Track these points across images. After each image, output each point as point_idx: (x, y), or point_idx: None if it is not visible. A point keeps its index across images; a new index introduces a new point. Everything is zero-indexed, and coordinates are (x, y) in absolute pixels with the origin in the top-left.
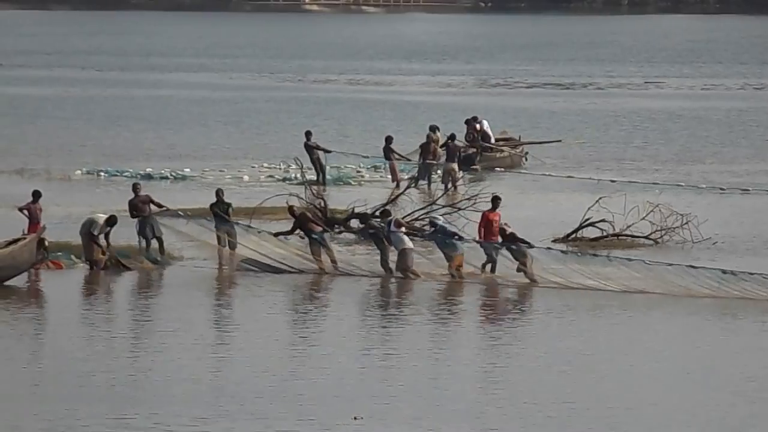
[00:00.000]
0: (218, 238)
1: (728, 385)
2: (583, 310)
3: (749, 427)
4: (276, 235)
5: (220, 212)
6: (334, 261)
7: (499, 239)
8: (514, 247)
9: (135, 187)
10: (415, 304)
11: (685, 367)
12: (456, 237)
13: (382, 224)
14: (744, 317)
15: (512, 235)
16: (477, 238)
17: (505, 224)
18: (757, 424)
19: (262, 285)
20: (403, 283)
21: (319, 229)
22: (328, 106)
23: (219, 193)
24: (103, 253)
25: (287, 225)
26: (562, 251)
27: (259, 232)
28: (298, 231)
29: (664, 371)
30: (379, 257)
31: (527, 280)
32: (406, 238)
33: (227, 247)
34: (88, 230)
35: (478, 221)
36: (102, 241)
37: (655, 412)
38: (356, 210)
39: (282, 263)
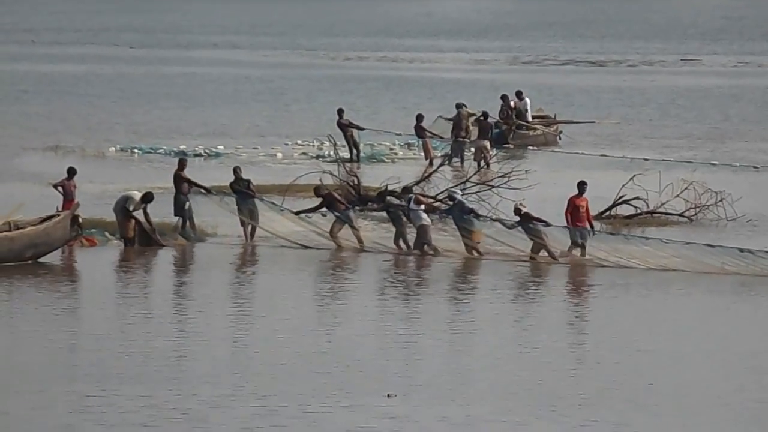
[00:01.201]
0: (240, 217)
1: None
2: (606, 287)
3: None
4: (298, 213)
5: (242, 189)
6: (360, 240)
7: (587, 225)
8: (531, 226)
9: (180, 162)
10: (442, 282)
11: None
12: (473, 214)
13: (402, 201)
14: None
15: (527, 214)
16: (565, 224)
17: (520, 203)
18: None
19: (288, 262)
20: (428, 261)
21: (343, 207)
22: (360, 84)
23: (237, 170)
24: (134, 230)
25: (317, 202)
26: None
27: (281, 210)
28: (322, 210)
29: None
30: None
31: (551, 257)
32: (424, 215)
33: (250, 225)
34: (123, 206)
35: (565, 206)
36: (140, 217)
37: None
38: (389, 188)
39: (298, 242)
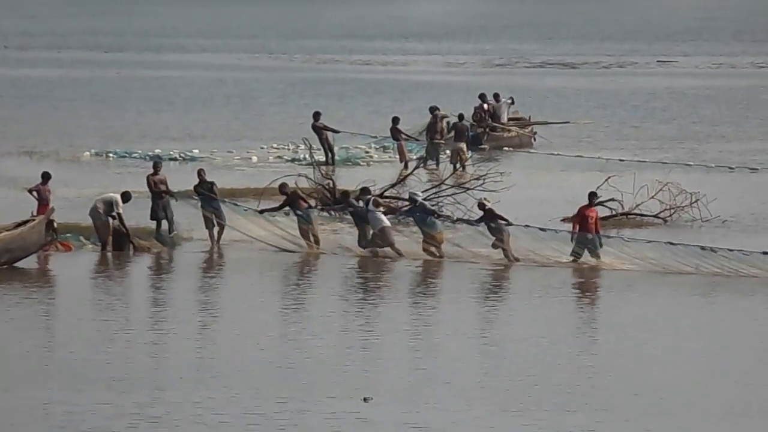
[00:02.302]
0: (205, 218)
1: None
2: (572, 287)
3: None
4: (262, 212)
5: (205, 191)
6: (316, 239)
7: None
8: (493, 225)
9: (155, 165)
10: (406, 284)
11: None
12: (435, 215)
13: (360, 203)
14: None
15: (490, 211)
16: (571, 231)
17: (485, 199)
18: None
19: (255, 266)
20: (391, 264)
21: (305, 206)
22: (335, 87)
23: (201, 173)
24: (119, 232)
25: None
26: (541, 228)
27: (245, 210)
28: (285, 209)
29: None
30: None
31: (506, 258)
32: (383, 217)
33: (216, 227)
34: (108, 211)
35: (574, 215)
36: (113, 222)
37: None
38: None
39: (266, 242)
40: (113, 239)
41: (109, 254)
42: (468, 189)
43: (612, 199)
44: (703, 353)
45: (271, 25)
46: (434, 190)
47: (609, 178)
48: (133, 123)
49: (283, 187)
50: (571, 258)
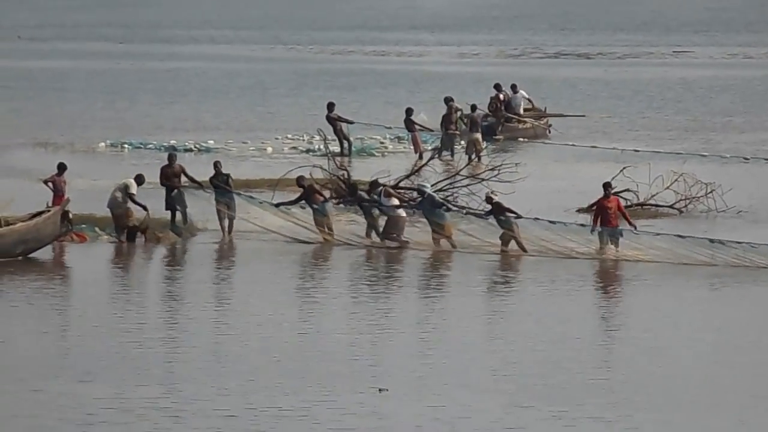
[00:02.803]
0: (218, 210)
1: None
2: (590, 279)
3: None
4: (278, 205)
5: (220, 184)
6: (330, 230)
7: (618, 224)
8: (502, 218)
9: (170, 157)
10: (416, 275)
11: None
12: (443, 207)
13: (373, 195)
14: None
15: (498, 204)
16: (592, 225)
17: (492, 192)
18: None
19: (266, 257)
20: (402, 254)
21: (322, 199)
22: (348, 78)
23: (217, 164)
24: (129, 218)
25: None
26: (550, 221)
27: (260, 203)
28: (301, 202)
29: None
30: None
31: (519, 248)
32: (397, 206)
33: (227, 219)
34: (123, 195)
35: (591, 206)
36: (133, 206)
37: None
38: (380, 181)
39: (281, 234)
40: (126, 232)
41: (124, 245)
42: (483, 180)
43: (627, 190)
44: (717, 345)
45: (284, 16)
46: (449, 181)
47: (624, 168)
48: (147, 114)
49: (300, 180)
50: (597, 250)
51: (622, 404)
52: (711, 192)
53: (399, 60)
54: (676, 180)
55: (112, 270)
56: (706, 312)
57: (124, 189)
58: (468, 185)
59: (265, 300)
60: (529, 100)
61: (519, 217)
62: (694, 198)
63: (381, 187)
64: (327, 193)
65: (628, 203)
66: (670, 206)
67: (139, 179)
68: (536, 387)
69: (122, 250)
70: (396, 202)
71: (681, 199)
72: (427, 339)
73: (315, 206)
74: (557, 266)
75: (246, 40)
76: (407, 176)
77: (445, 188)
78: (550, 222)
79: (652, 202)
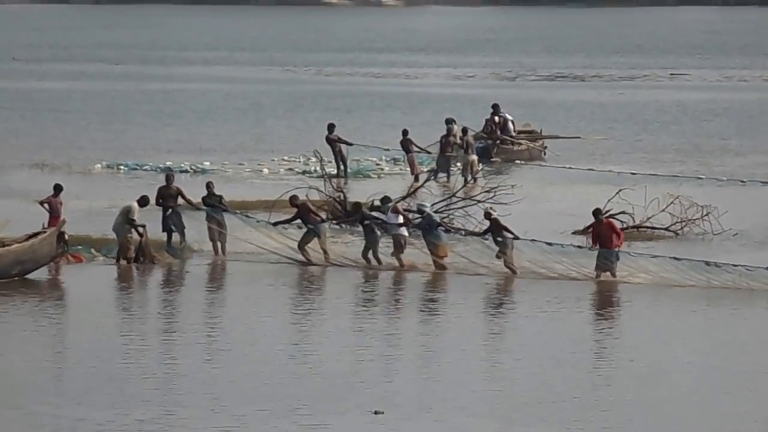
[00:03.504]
0: (210, 229)
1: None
2: (586, 301)
3: None
4: (275, 224)
5: (214, 203)
6: (326, 252)
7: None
8: (499, 239)
9: (167, 177)
10: (413, 297)
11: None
12: (441, 228)
13: (381, 212)
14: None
15: (496, 220)
16: (591, 246)
17: (491, 208)
18: None
19: (260, 278)
20: (398, 275)
21: (318, 219)
22: (344, 100)
23: (209, 185)
24: (134, 250)
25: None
26: (547, 243)
27: (257, 222)
28: (298, 221)
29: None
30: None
31: (507, 269)
32: (401, 224)
33: (219, 238)
34: (126, 219)
35: (587, 230)
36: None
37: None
38: (375, 203)
39: (278, 254)
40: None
41: (120, 266)
42: (479, 201)
43: (623, 212)
44: (714, 368)
45: (281, 38)
46: (445, 203)
47: (620, 191)
48: (143, 136)
49: (293, 199)
50: (596, 273)
51: (619, 427)
52: (707, 214)
53: (395, 82)
54: (672, 202)
55: (108, 291)
56: (702, 334)
57: (126, 213)
58: (464, 207)
59: (260, 322)
60: (512, 121)
61: (516, 238)
62: (690, 220)
63: (391, 203)
64: (323, 215)
65: (624, 226)
66: (666, 228)
67: (143, 200)
68: (532, 409)
69: (118, 271)
70: (401, 219)
71: (677, 222)
72: (422, 361)
73: (310, 225)
74: (553, 288)
75: (242, 61)
76: (403, 198)
77: (441, 210)
78: (547, 244)
79: (648, 224)
